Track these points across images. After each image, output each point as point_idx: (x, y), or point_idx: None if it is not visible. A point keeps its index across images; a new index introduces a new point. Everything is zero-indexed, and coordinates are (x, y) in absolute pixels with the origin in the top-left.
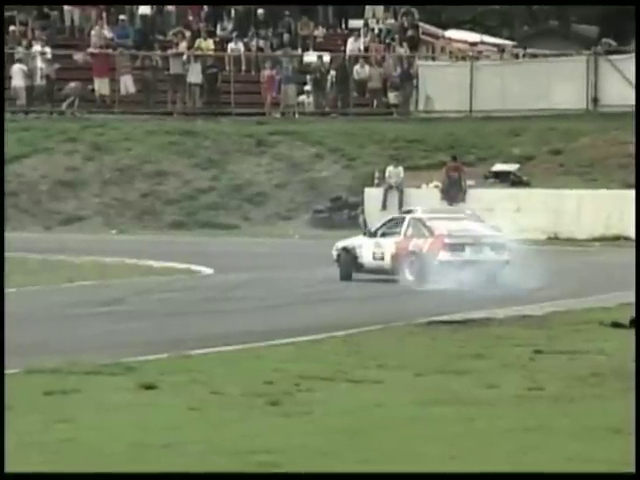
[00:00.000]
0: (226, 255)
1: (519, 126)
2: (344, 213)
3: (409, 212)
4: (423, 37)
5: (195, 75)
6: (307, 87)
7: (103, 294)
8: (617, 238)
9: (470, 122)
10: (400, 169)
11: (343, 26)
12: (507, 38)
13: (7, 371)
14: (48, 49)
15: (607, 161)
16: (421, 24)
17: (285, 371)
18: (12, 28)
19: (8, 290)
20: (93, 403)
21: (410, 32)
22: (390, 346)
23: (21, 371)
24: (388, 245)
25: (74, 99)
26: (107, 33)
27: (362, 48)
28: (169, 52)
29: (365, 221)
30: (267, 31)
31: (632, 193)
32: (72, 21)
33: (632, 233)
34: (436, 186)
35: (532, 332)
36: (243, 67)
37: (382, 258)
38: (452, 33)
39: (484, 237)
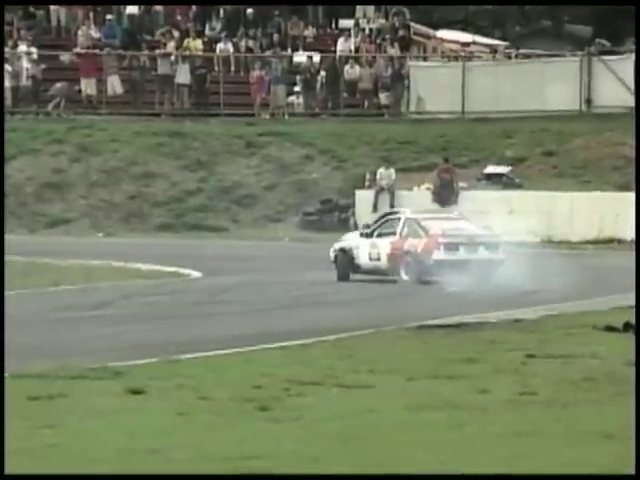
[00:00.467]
0: (214, 258)
1: (512, 127)
2: (334, 215)
3: (394, 213)
4: (414, 37)
5: (183, 75)
6: (297, 88)
7: (90, 298)
8: (611, 241)
9: (462, 123)
10: (391, 171)
11: (333, 26)
12: (499, 38)
13: None
14: (34, 49)
15: (601, 163)
16: (412, 24)
17: (275, 376)
18: None
19: None
20: (80, 408)
21: (401, 32)
22: (381, 350)
23: (6, 376)
24: (384, 245)
25: (60, 100)
26: (94, 33)
27: (353, 48)
28: (157, 52)
29: (356, 224)
30: (256, 31)
31: (626, 195)
32: (58, 21)
33: (626, 236)
34: (428, 188)
35: (525, 336)
36: (232, 67)
37: (378, 258)
38: (444, 33)
39: (478, 236)
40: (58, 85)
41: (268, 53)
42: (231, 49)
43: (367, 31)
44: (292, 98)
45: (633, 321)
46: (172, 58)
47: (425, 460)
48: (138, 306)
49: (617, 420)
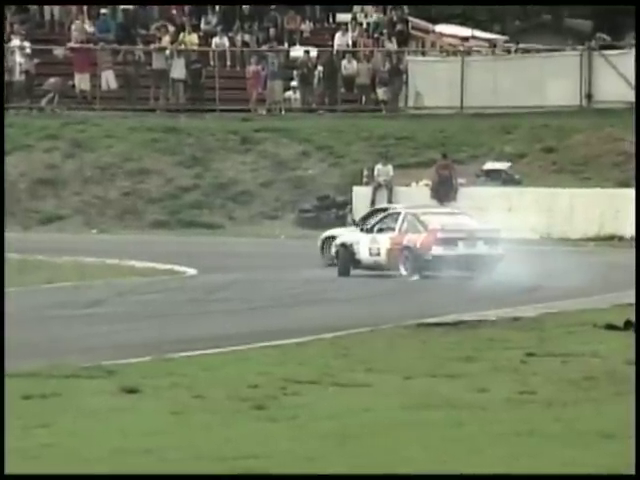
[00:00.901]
0: (210, 255)
1: (511, 123)
2: (332, 212)
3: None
4: (413, 32)
5: (178, 70)
6: (294, 83)
7: (84, 295)
8: (611, 238)
9: (461, 119)
10: (389, 167)
11: (330, 20)
12: (499, 33)
13: None
14: (27, 44)
15: (601, 159)
16: (410, 18)
17: (270, 374)
18: None
19: None
20: (73, 407)
21: (399, 26)
22: (379, 349)
23: None
24: (384, 241)
25: (54, 95)
26: (88, 27)
27: (350, 43)
28: (152, 47)
29: (354, 221)
30: (253, 25)
31: (627, 192)
32: (52, 15)
33: (626, 233)
34: (426, 184)
35: (524, 334)
36: (228, 62)
37: (378, 254)
38: (442, 28)
39: (478, 231)
40: (52, 80)
41: (264, 48)
42: (227, 43)
43: (364, 25)
44: (289, 93)
45: (634, 319)
46: (167, 53)
47: (423, 460)
48: (132, 304)
49: (617, 420)
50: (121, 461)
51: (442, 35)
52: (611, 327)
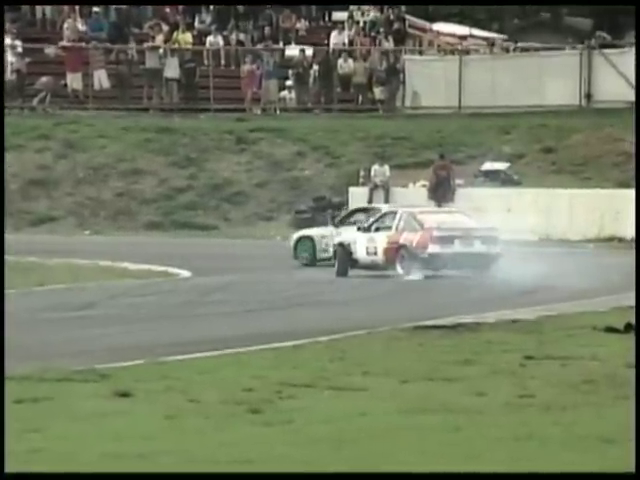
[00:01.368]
0: (204, 257)
1: (510, 123)
2: (327, 213)
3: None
4: (410, 30)
5: (172, 70)
6: (289, 82)
7: (76, 298)
8: (611, 239)
9: (459, 119)
10: (386, 167)
11: (326, 19)
12: (497, 31)
13: None
14: (19, 42)
15: (601, 159)
16: (408, 17)
17: (266, 378)
18: None
19: None
20: (65, 412)
21: (396, 25)
22: (375, 352)
23: None
24: (380, 240)
25: (46, 94)
26: (80, 26)
27: (346, 41)
28: (145, 45)
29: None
30: (247, 24)
31: (627, 192)
32: (44, 13)
33: (627, 234)
34: (423, 185)
35: (523, 337)
36: (222, 61)
37: (375, 253)
38: (440, 26)
39: (474, 230)
40: (43, 79)
41: (259, 46)
42: (221, 42)
43: (361, 24)
44: (284, 93)
45: (634, 322)
46: (161, 52)
47: (420, 465)
48: (125, 306)
49: (617, 424)
50: (114, 466)
51: (440, 34)
52: (611, 330)
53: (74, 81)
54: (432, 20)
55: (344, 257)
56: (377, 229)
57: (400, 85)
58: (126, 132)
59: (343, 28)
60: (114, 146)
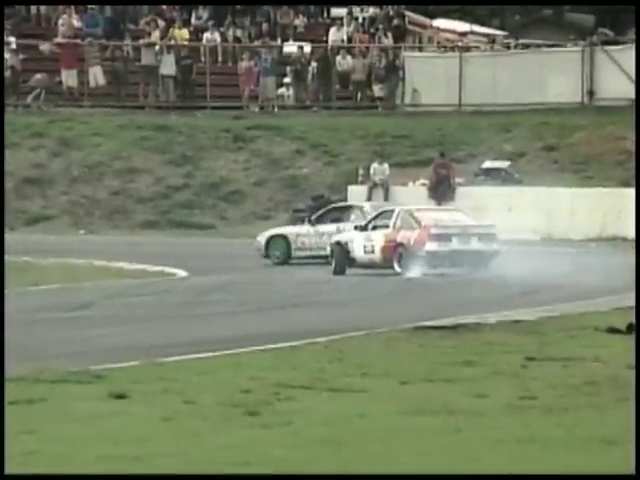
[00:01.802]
0: (201, 257)
1: (511, 121)
2: None
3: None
4: (409, 27)
5: (168, 66)
6: (287, 79)
7: (71, 298)
8: (614, 238)
9: (459, 116)
10: (385, 166)
11: (325, 15)
12: (498, 28)
13: None
14: (13, 39)
15: (603, 157)
16: (407, 13)
17: (263, 379)
18: None
19: None
20: (60, 413)
21: (396, 21)
22: (374, 353)
23: None
24: (378, 238)
25: (40, 92)
26: (75, 22)
27: (345, 38)
28: (141, 42)
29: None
30: (245, 20)
31: (629, 191)
32: (38, 9)
33: (629, 233)
34: (423, 184)
35: (524, 338)
36: (219, 58)
37: (372, 251)
38: (440, 22)
39: (472, 227)
40: (38, 76)
41: (257, 43)
42: (218, 39)
43: (360, 20)
44: (282, 90)
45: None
46: (157, 48)
47: (419, 467)
48: (121, 307)
49: (619, 425)
50: (109, 468)
51: (440, 30)
52: (613, 331)
53: (69, 78)
54: (432, 16)
55: (341, 256)
56: (374, 227)
57: (400, 82)
58: (122, 130)
59: (342, 24)
60: (109, 144)
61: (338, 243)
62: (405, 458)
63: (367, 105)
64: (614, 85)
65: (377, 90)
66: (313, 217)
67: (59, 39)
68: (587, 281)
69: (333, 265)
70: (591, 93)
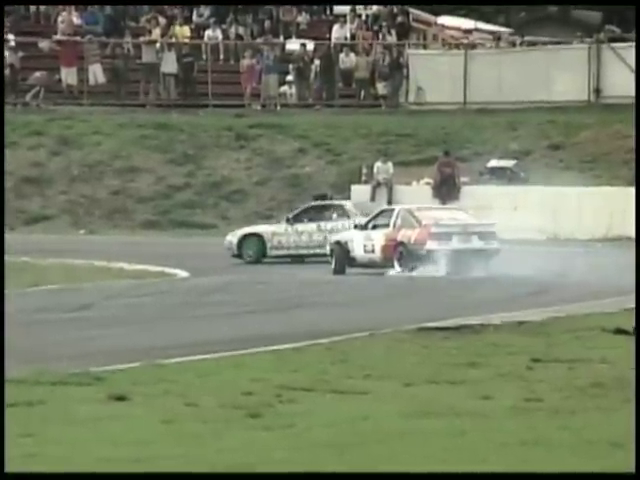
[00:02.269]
0: (202, 257)
1: (516, 119)
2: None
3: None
4: (414, 24)
5: (170, 64)
6: (289, 77)
7: (71, 299)
8: (620, 238)
9: (464, 115)
10: (389, 165)
11: (328, 12)
12: (503, 25)
13: None
14: (11, 36)
15: (610, 156)
16: (412, 10)
17: (265, 381)
18: None
19: None
20: (60, 416)
21: (400, 18)
22: (378, 354)
23: None
24: (378, 237)
25: (39, 90)
26: (75, 19)
27: (348, 35)
28: (141, 39)
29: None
30: (247, 17)
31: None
32: (37, 6)
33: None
34: (427, 183)
35: (530, 339)
36: (221, 56)
37: (372, 251)
38: (445, 20)
39: (472, 226)
40: (37, 74)
41: (259, 40)
42: (220, 36)
43: (364, 17)
44: (284, 88)
45: None
46: (158, 46)
47: (423, 470)
48: (121, 308)
49: (627, 428)
50: (110, 471)
51: (444, 27)
52: (620, 332)
53: (69, 76)
54: (437, 13)
55: (341, 255)
56: (374, 227)
57: (403, 80)
58: (122, 128)
59: (345, 22)
60: (110, 143)
61: (338, 242)
62: (409, 461)
63: (370, 103)
64: (621, 83)
65: (381, 88)
66: (290, 216)
67: (59, 36)
68: (594, 281)
69: (333, 264)
70: (598, 91)
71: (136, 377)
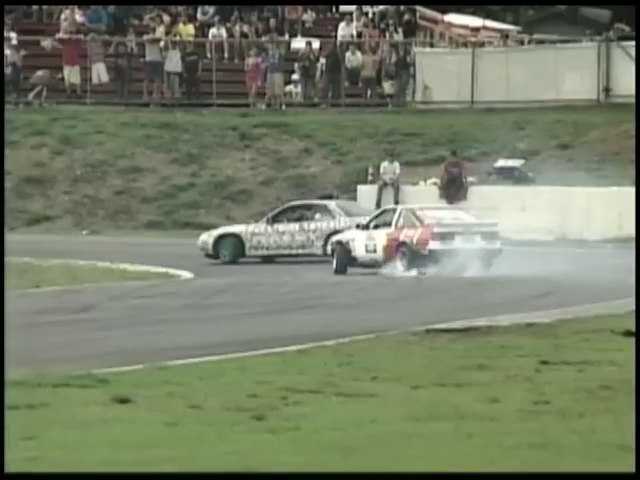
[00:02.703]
0: (207, 258)
1: (524, 118)
2: None
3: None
4: (421, 22)
5: (174, 63)
6: (295, 76)
7: (73, 300)
8: (630, 239)
9: (471, 114)
10: (396, 165)
11: (334, 10)
12: (511, 23)
13: None
14: (14, 34)
15: (619, 156)
16: (418, 8)
17: (270, 383)
18: None
19: None
20: (62, 418)
21: (407, 16)
22: (384, 356)
23: None
24: (380, 237)
25: (42, 89)
26: (78, 17)
27: (354, 33)
28: (145, 38)
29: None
30: (252, 15)
31: None
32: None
33: None
34: (434, 183)
35: (538, 341)
36: (226, 54)
37: (374, 250)
38: (452, 17)
39: (475, 226)
40: (39, 73)
41: (264, 39)
42: (224, 34)
43: (370, 15)
44: (290, 87)
45: None
46: (161, 44)
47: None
48: (125, 309)
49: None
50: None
51: (452, 25)
52: (630, 334)
53: (71, 75)
54: (444, 11)
55: (343, 255)
56: (376, 226)
57: (410, 79)
58: (125, 128)
59: (351, 19)
60: (113, 142)
61: (339, 242)
62: (416, 464)
63: (377, 102)
64: (631, 81)
65: (387, 87)
66: (269, 216)
67: (61, 35)
68: (603, 283)
69: (334, 264)
70: (607, 90)
71: (140, 379)
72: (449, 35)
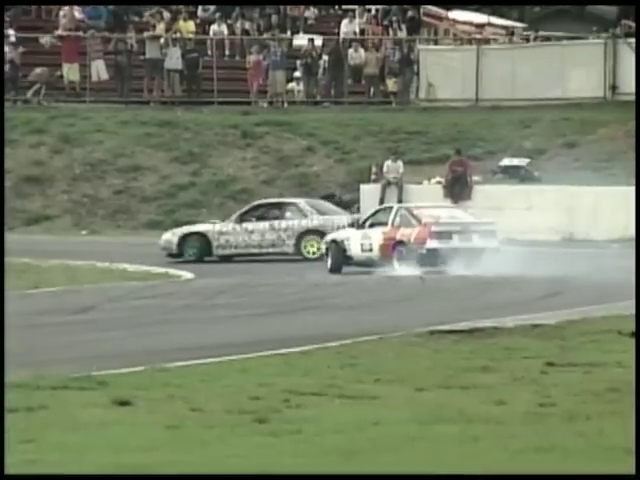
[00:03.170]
0: (208, 258)
1: (530, 116)
2: None
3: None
4: (425, 18)
5: (174, 60)
6: (297, 73)
7: (72, 301)
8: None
9: (476, 112)
10: (399, 163)
11: (336, 6)
12: (517, 19)
13: None
14: (12, 31)
15: (626, 155)
16: (422, 4)
17: (273, 386)
18: None
19: None
20: (61, 421)
21: (410, 13)
22: (388, 358)
23: None
24: (376, 236)
25: (40, 86)
26: (77, 14)
27: (357, 30)
28: (145, 35)
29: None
30: (253, 12)
31: None
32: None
33: None
34: (439, 182)
35: (544, 343)
36: (227, 51)
37: (370, 249)
38: (457, 14)
39: (472, 224)
40: (38, 70)
41: (266, 36)
42: (226, 31)
43: (373, 12)
44: (292, 85)
45: None
46: (162, 41)
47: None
48: (125, 310)
49: None
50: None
51: (456, 22)
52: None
53: (70, 72)
54: (448, 8)
55: (338, 254)
56: (372, 225)
57: (414, 76)
58: (125, 126)
59: (354, 16)
60: (113, 141)
61: (334, 241)
62: (420, 468)
63: (380, 100)
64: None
65: (391, 84)
66: (237, 214)
67: (60, 32)
68: (610, 283)
69: (329, 263)
70: (614, 87)
71: (140, 381)
72: (453, 32)
